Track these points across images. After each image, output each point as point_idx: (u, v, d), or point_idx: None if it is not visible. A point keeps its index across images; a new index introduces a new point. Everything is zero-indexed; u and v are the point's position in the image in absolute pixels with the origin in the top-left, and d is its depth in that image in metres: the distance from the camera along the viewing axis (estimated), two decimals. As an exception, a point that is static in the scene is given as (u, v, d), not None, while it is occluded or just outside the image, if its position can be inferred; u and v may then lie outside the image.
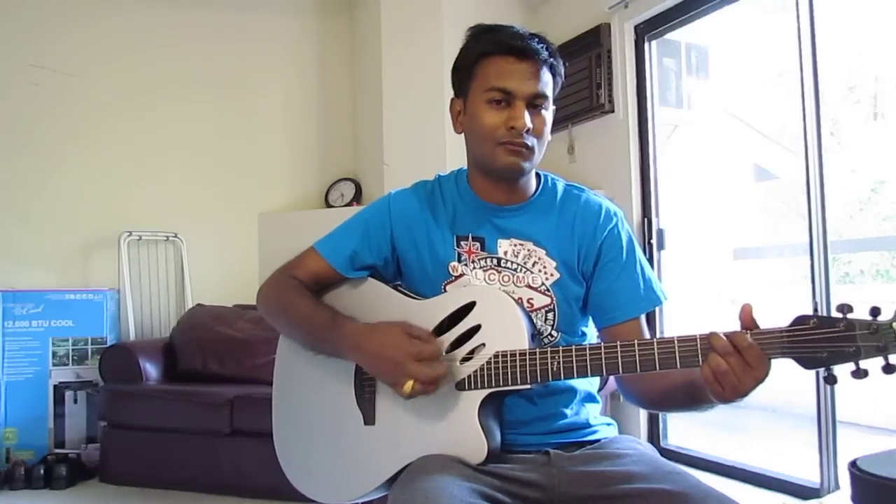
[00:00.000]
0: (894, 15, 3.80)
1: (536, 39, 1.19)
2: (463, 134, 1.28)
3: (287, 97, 4.23)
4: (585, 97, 3.35)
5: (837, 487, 2.46)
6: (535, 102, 1.19)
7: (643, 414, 3.17)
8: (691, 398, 1.08)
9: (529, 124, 1.18)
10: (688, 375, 1.06)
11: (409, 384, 1.08)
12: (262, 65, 4.16)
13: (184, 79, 3.98)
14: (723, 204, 5.42)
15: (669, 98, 4.91)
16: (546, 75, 1.20)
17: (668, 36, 3.42)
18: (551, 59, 1.20)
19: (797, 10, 2.57)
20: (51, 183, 3.71)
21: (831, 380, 0.94)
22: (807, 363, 0.94)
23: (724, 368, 0.95)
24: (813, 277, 2.50)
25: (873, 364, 0.90)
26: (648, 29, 3.24)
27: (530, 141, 1.19)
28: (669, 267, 3.29)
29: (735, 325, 0.99)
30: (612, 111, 3.31)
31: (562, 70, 1.23)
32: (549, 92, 1.21)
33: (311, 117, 4.26)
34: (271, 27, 4.19)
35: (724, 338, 0.96)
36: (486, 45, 1.20)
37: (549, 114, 1.22)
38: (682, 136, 5.14)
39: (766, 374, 0.95)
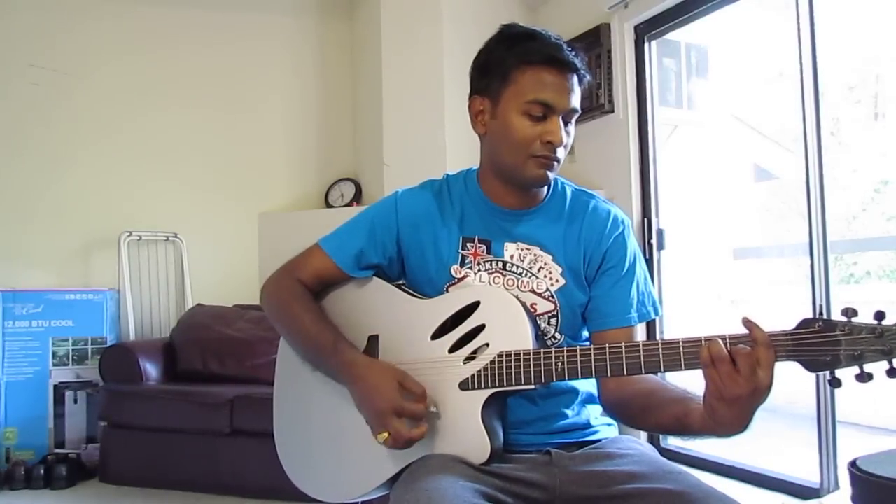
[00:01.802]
0: (895, 14, 3.80)
1: (573, 52, 1.18)
2: (483, 135, 1.25)
3: (287, 97, 4.23)
4: (585, 97, 3.34)
5: (837, 487, 2.46)
6: (568, 116, 1.19)
7: (643, 414, 3.16)
8: (684, 432, 1.06)
9: (565, 140, 1.18)
10: (682, 412, 1.04)
11: (383, 435, 1.09)
12: (262, 65, 4.16)
13: (184, 79, 3.98)
14: (723, 204, 5.42)
15: (669, 98, 4.91)
16: (579, 88, 1.19)
17: (668, 36, 3.42)
18: (585, 74, 1.20)
19: (797, 10, 2.57)
20: (51, 183, 3.71)
21: (835, 383, 0.93)
22: (811, 366, 0.94)
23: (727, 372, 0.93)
24: (813, 278, 2.50)
25: (878, 368, 0.90)
26: (648, 29, 3.24)
27: (561, 154, 1.19)
28: (669, 267, 3.29)
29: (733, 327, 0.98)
30: (612, 111, 3.31)
31: (589, 79, 1.22)
32: (580, 105, 1.20)
33: (311, 117, 4.26)
34: (271, 27, 4.19)
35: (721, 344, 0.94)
36: (528, 54, 1.16)
37: (574, 126, 1.22)
38: (681, 136, 5.14)
39: (768, 386, 0.93)
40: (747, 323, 0.95)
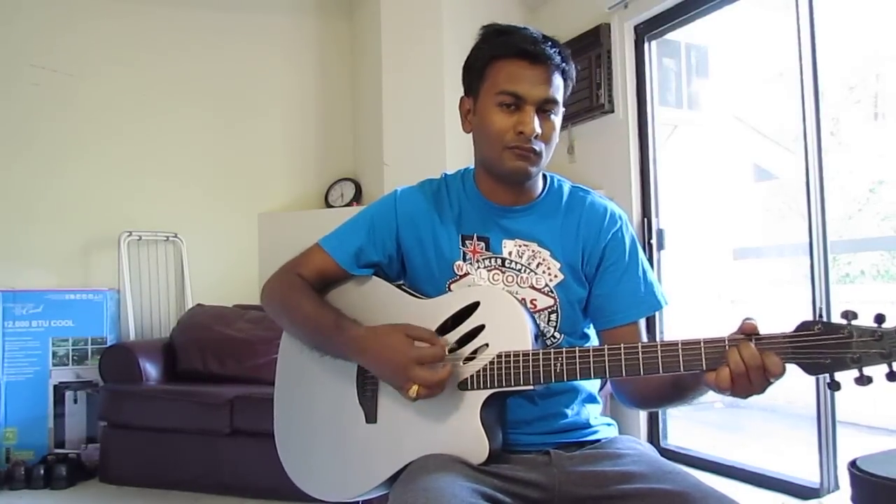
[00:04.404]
0: (895, 14, 3.80)
1: (550, 43, 1.18)
2: (471, 134, 1.27)
3: (287, 97, 4.23)
4: (585, 97, 3.35)
5: (837, 487, 2.46)
6: (544, 108, 1.18)
7: (643, 414, 3.17)
8: (682, 394, 1.11)
9: (538, 129, 1.17)
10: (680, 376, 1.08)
11: (413, 388, 1.09)
12: (262, 65, 4.16)
13: (184, 79, 3.98)
14: (723, 204, 5.42)
15: (669, 98, 4.91)
16: (557, 80, 1.19)
17: (668, 36, 3.42)
18: (563, 64, 1.19)
19: (797, 9, 2.57)
20: (51, 183, 3.71)
21: (835, 386, 0.93)
22: (810, 369, 0.94)
23: (743, 379, 0.96)
24: (813, 277, 2.50)
25: (877, 371, 0.90)
26: (648, 29, 3.24)
27: (538, 146, 1.18)
28: (669, 267, 3.29)
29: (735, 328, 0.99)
30: (612, 111, 3.31)
31: (573, 74, 1.22)
32: (560, 97, 1.20)
33: (311, 117, 4.26)
34: (271, 28, 4.19)
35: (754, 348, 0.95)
36: (499, 48, 1.19)
37: (558, 118, 1.21)
38: (681, 136, 5.14)
39: (781, 374, 0.96)
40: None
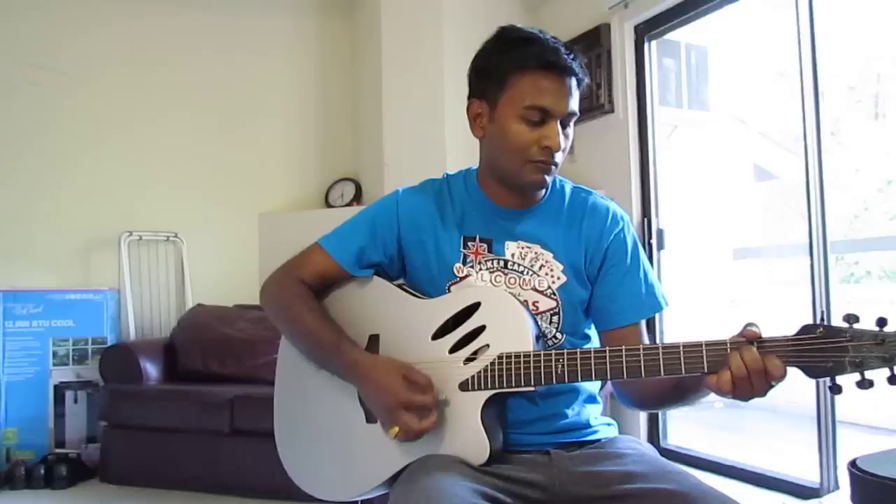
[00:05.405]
0: (895, 14, 3.80)
1: (571, 55, 1.17)
2: (482, 139, 1.25)
3: (287, 97, 4.22)
4: (585, 97, 3.33)
5: (837, 487, 2.46)
6: (566, 120, 1.18)
7: (643, 414, 3.18)
8: (683, 396, 1.12)
9: (563, 144, 1.17)
10: (686, 397, 1.11)
11: (394, 430, 1.10)
12: (262, 65, 4.16)
13: (184, 80, 3.98)
14: (723, 204, 5.43)
15: (669, 98, 4.92)
16: (577, 91, 1.18)
17: (668, 36, 3.42)
18: (585, 77, 1.19)
19: (797, 9, 2.57)
20: (51, 183, 3.71)
21: (836, 389, 0.93)
22: (812, 372, 0.94)
23: (744, 382, 0.96)
24: (813, 278, 2.50)
25: (879, 374, 0.90)
26: (648, 29, 3.24)
27: (559, 158, 1.19)
28: (669, 267, 3.29)
29: (736, 330, 1.00)
30: (612, 111, 3.31)
31: (587, 81, 1.21)
32: (578, 107, 1.19)
33: (311, 118, 4.26)
34: (271, 28, 4.18)
35: (756, 352, 0.96)
36: (524, 59, 1.15)
37: (572, 128, 1.21)
38: (682, 136, 5.14)
39: (782, 377, 0.96)
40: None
